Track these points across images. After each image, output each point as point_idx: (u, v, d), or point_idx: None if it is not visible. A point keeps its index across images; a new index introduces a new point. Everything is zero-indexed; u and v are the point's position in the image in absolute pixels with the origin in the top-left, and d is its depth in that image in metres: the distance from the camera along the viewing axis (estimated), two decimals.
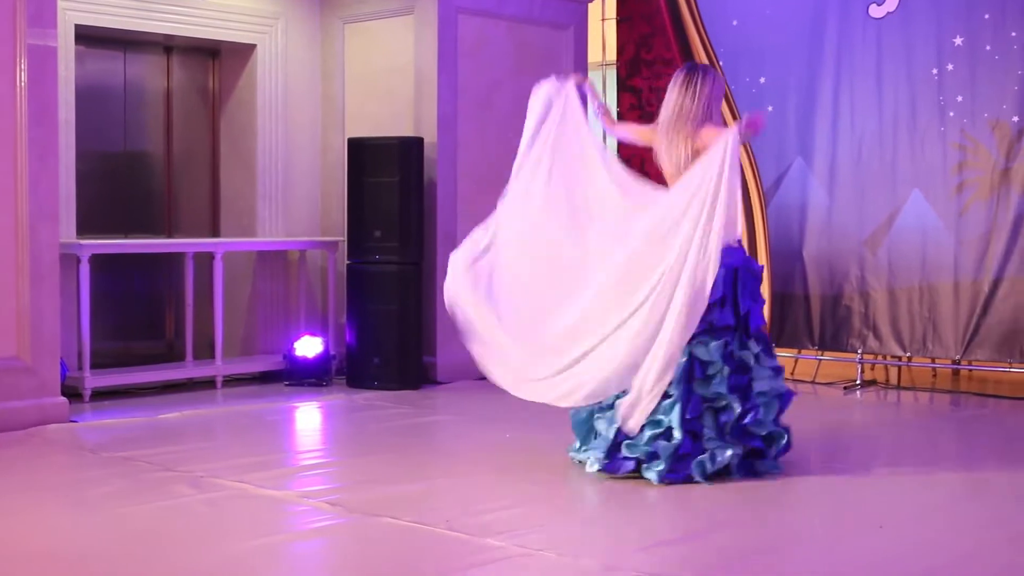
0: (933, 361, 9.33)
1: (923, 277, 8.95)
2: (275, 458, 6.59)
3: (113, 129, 9.25)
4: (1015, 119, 8.56)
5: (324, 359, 9.08)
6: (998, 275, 8.64)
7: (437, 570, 4.59)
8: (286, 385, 8.96)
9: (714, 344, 5.89)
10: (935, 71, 8.88)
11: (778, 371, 6.09)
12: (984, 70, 8.67)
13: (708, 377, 5.89)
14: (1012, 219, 8.58)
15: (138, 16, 8.78)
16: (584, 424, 6.19)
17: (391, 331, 8.85)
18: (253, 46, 9.47)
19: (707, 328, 5.90)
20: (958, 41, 8.77)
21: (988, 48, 8.66)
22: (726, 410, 5.91)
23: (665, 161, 6.23)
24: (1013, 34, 8.56)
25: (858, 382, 9.13)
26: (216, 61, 9.73)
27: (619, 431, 5.92)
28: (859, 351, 9.20)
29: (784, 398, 6.08)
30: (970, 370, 9.56)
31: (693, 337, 5.86)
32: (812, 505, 5.62)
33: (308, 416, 8.09)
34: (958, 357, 8.97)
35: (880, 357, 9.29)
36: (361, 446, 7.01)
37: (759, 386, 5.96)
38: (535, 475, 6.09)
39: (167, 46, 9.47)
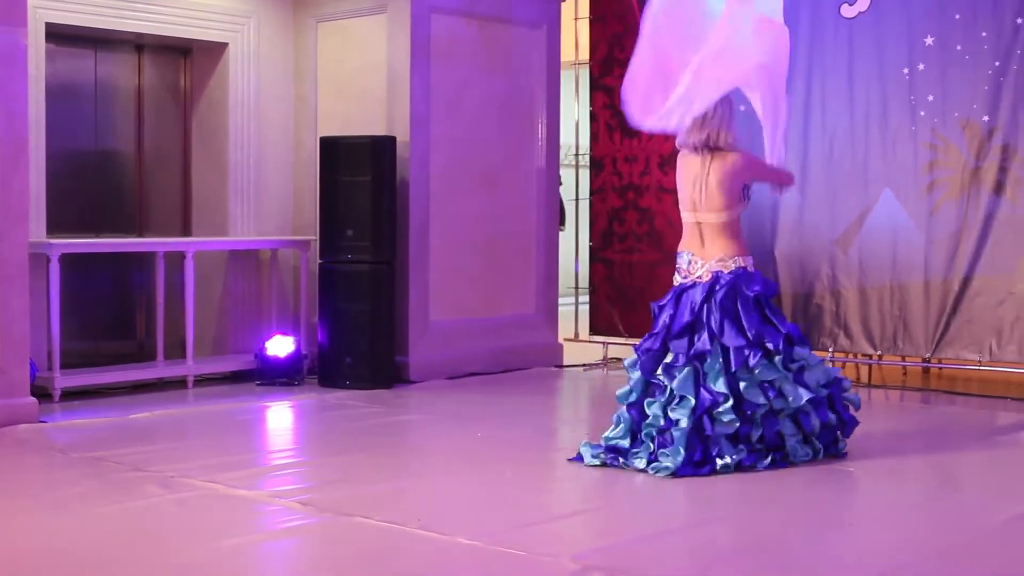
0: (903, 359, 9.37)
1: (894, 276, 9.00)
2: (246, 458, 6.58)
3: (84, 128, 9.20)
4: (985, 118, 8.60)
5: (296, 358, 9.05)
6: (968, 274, 8.68)
7: (409, 569, 4.58)
8: (257, 385, 8.93)
9: (777, 359, 6.10)
10: (906, 71, 8.91)
11: (820, 361, 6.35)
12: (955, 70, 8.71)
13: (781, 392, 6.11)
14: (982, 218, 8.62)
15: (109, 14, 8.73)
16: (629, 425, 6.22)
17: (363, 330, 8.84)
18: (225, 44, 9.43)
19: (763, 352, 6.10)
20: (929, 41, 8.81)
21: (959, 48, 8.70)
22: (806, 415, 6.17)
23: (682, 180, 6.40)
24: (983, 34, 8.60)
25: None
26: (188, 59, 9.68)
27: (689, 450, 5.98)
28: (830, 350, 9.23)
29: (838, 384, 6.33)
30: (940, 368, 9.63)
31: (750, 368, 6.08)
32: (788, 503, 5.63)
33: (280, 416, 8.06)
34: (928, 355, 9.01)
35: (851, 355, 9.33)
36: (333, 445, 7.00)
37: (810, 380, 6.18)
38: (507, 474, 6.10)
39: (138, 44, 9.41)
